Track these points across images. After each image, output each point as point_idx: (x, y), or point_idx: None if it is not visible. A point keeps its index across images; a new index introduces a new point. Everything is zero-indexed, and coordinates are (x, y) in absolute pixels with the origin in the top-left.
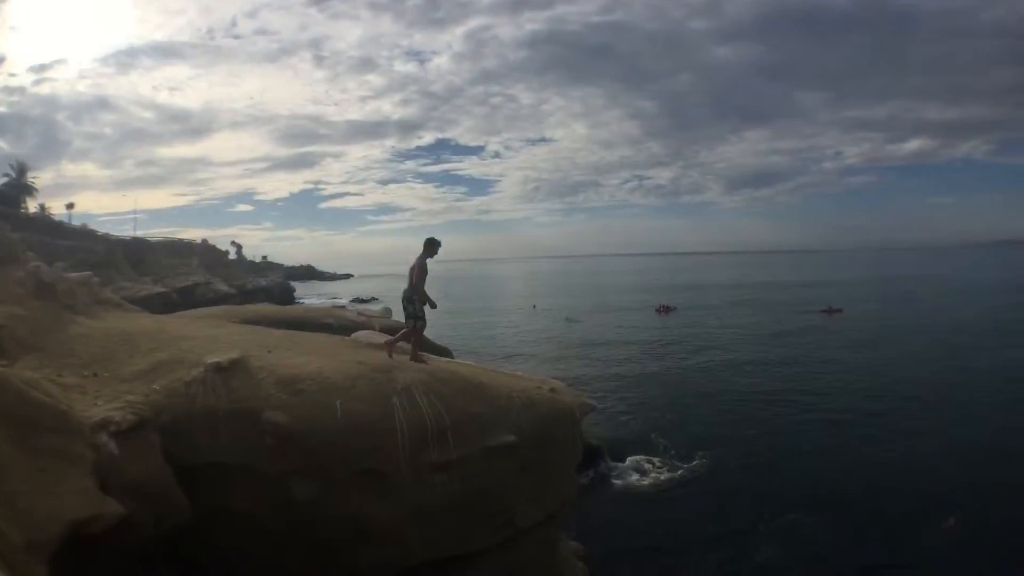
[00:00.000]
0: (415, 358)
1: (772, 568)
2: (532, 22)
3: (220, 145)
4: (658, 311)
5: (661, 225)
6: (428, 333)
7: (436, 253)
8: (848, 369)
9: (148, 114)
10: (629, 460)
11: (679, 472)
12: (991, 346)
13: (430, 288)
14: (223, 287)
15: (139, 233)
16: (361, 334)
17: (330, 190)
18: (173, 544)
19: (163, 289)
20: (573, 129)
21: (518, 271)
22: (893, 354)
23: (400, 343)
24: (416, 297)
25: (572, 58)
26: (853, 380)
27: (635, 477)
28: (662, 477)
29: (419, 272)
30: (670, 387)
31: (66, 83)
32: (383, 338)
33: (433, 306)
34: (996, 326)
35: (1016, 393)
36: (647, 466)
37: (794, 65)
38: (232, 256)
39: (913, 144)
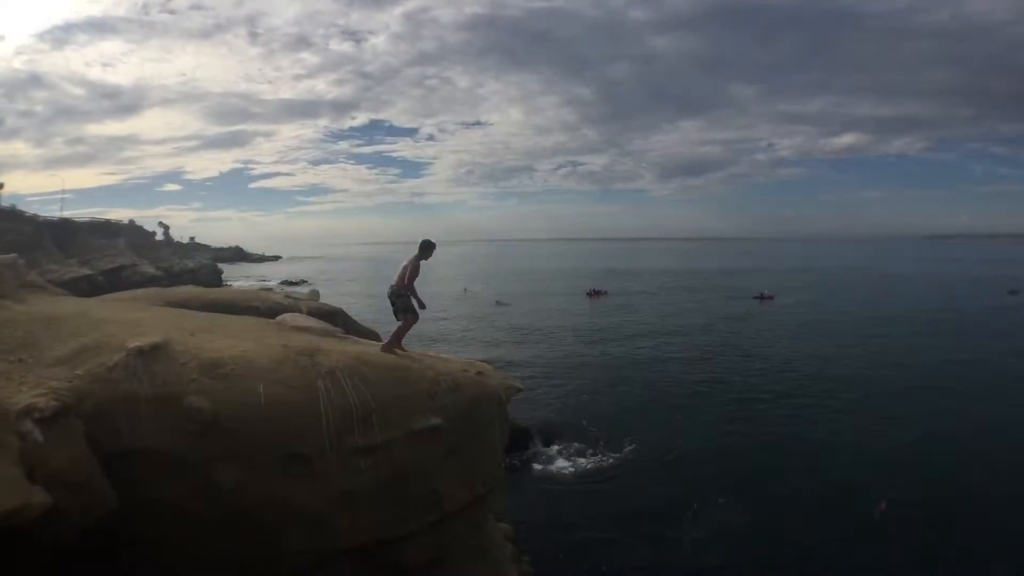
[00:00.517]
0: (389, 348)
1: (701, 553)
2: (472, 5)
3: (150, 123)
4: (588, 295)
5: (594, 211)
6: (357, 315)
7: (431, 256)
8: (779, 355)
9: (79, 91)
10: (559, 444)
11: (608, 458)
12: (916, 334)
13: (363, 272)
14: (150, 269)
15: (66, 213)
16: (287, 317)
17: (260, 170)
18: (101, 535)
19: (89, 272)
20: (509, 114)
21: (450, 255)
22: (823, 340)
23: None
24: (406, 293)
25: (511, 43)
26: (783, 366)
27: (564, 462)
28: (591, 462)
29: (412, 272)
30: (601, 372)
31: (2, 60)
32: (310, 321)
33: (422, 307)
34: (920, 316)
35: (939, 379)
36: (576, 451)
37: (730, 57)
38: (160, 237)
39: (846, 139)
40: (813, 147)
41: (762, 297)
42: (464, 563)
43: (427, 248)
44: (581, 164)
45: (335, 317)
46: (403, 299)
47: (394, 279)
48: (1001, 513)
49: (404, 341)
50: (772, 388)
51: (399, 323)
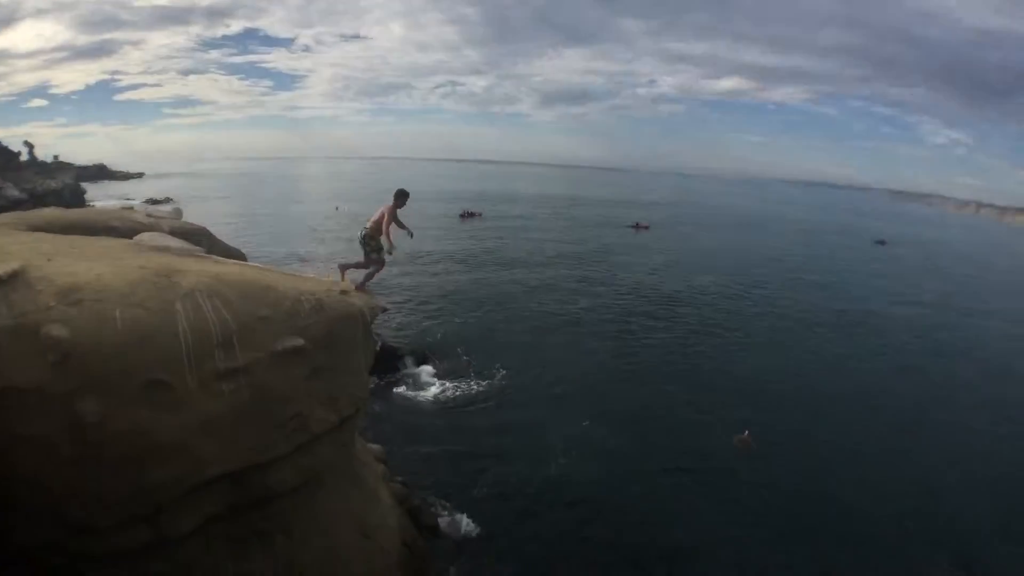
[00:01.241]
0: (361, 288)
1: (565, 474)
2: None
3: (21, 35)
4: (462, 216)
5: (472, 132)
6: (225, 236)
7: (405, 204)
8: (650, 283)
9: None
10: (430, 367)
11: (480, 381)
12: (784, 273)
13: (233, 190)
14: (14, 192)
15: None
16: (144, 236)
17: (127, 81)
18: None
19: None
20: (390, 28)
21: (323, 171)
22: (694, 271)
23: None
24: (381, 238)
25: None
26: (654, 294)
27: (435, 384)
28: (462, 385)
29: (389, 219)
30: (475, 296)
31: None
32: (169, 240)
33: (390, 252)
34: (790, 258)
35: (803, 316)
36: (447, 373)
37: None
38: (24, 158)
39: (729, 82)
40: (695, 87)
41: (637, 227)
42: (335, 485)
43: (402, 196)
44: (461, 84)
45: (198, 237)
46: (374, 242)
47: (368, 224)
48: (853, 439)
49: (271, 263)
50: (642, 316)
51: (367, 268)
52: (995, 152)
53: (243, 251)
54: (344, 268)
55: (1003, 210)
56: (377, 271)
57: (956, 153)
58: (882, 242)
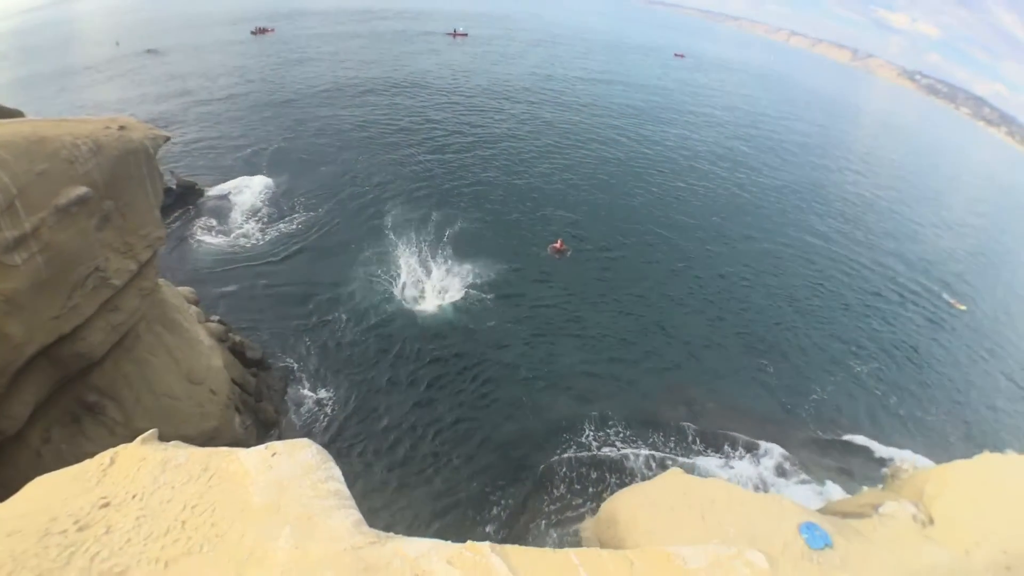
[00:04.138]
0: None
1: (371, 304)
2: None
3: None
4: (253, 33)
5: None
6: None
7: None
8: (471, 86)
9: None
10: (231, 197)
11: (284, 219)
12: (588, 80)
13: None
14: None
15: None
16: None
17: None
18: None
19: None
20: None
21: (99, 7)
22: (511, 74)
23: None
24: None
25: None
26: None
27: (239, 215)
28: (267, 221)
29: None
30: (272, 115)
31: None
32: None
33: None
34: (594, 66)
35: (603, 114)
36: (249, 202)
37: None
38: None
39: None
40: None
41: (455, 34)
42: (152, 336)
43: None
44: None
45: None
46: None
47: None
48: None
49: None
50: (460, 119)
51: None
52: None
53: (20, 111)
54: None
55: (815, 41)
56: None
57: None
58: (680, 55)
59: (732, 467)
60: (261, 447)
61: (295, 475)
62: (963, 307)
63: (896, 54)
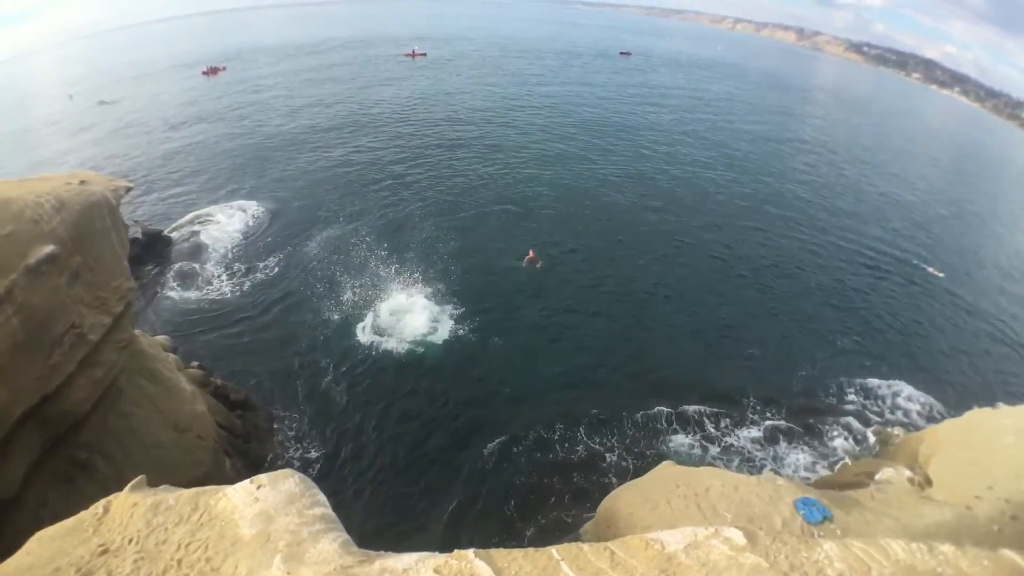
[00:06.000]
0: None
1: (355, 340)
2: None
3: None
4: (204, 73)
5: None
6: None
7: None
8: (427, 103)
9: None
10: (198, 240)
11: (255, 259)
12: (541, 81)
13: None
14: None
15: None
16: None
17: None
18: None
19: None
20: None
21: (46, 61)
22: (472, 84)
23: None
24: None
25: None
26: (424, 128)
27: (209, 260)
28: (238, 263)
29: None
30: (231, 158)
31: None
32: None
33: None
34: (547, 69)
35: (557, 107)
36: (218, 245)
37: None
38: None
39: None
40: None
41: (414, 54)
42: (134, 388)
43: None
44: None
45: None
46: None
47: None
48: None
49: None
50: (422, 141)
51: None
52: None
53: None
54: None
55: (760, 25)
56: None
57: None
58: (626, 53)
59: (723, 446)
60: (246, 482)
61: (281, 504)
62: (941, 274)
63: (842, 29)
